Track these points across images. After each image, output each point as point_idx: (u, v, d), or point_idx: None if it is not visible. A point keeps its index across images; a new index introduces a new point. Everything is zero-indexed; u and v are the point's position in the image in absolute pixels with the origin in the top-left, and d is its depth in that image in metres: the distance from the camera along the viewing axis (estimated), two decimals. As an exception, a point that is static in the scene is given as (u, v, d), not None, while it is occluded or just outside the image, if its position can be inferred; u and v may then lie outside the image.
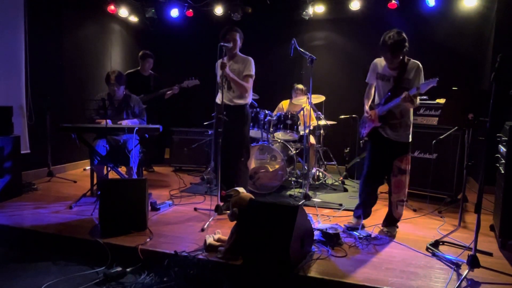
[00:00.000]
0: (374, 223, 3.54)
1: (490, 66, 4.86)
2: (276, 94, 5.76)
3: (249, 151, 4.16)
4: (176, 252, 2.76)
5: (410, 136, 3.25)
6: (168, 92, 5.62)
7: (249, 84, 3.90)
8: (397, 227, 3.39)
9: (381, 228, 3.42)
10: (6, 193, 4.04)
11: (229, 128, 3.79)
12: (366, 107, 3.38)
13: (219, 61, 3.76)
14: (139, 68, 5.73)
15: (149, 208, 3.69)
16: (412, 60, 3.15)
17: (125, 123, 4.20)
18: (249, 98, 4.02)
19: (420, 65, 3.11)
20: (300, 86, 5.42)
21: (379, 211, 4.01)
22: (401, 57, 3.07)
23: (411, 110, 3.24)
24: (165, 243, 2.99)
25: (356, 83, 6.18)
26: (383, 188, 4.87)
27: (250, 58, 3.92)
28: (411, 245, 3.06)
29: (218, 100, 3.81)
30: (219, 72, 3.83)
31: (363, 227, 3.43)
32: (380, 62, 3.27)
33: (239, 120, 3.92)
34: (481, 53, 5.48)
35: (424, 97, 4.53)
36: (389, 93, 3.15)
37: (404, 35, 3.00)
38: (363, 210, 3.41)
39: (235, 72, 3.86)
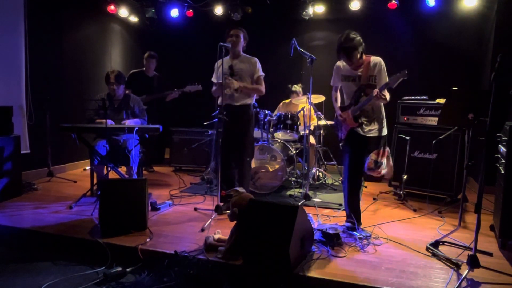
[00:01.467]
0: (374, 223, 3.54)
1: (490, 66, 4.86)
2: (276, 94, 5.74)
3: (253, 151, 4.16)
4: (176, 252, 2.76)
5: (385, 129, 3.32)
6: (171, 95, 5.62)
7: (263, 85, 3.92)
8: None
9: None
10: (6, 193, 4.05)
11: (234, 128, 3.80)
12: (338, 110, 3.42)
13: (219, 61, 3.69)
14: (143, 68, 5.74)
15: (149, 208, 3.69)
16: (373, 56, 3.22)
17: (127, 123, 4.20)
18: (254, 98, 4.03)
19: (382, 61, 3.20)
20: (295, 88, 5.40)
21: (379, 211, 4.02)
22: (359, 57, 3.14)
23: (382, 104, 3.31)
24: (165, 243, 2.99)
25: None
26: (383, 188, 4.90)
27: (255, 58, 3.92)
28: (411, 245, 3.06)
29: (220, 100, 3.84)
30: (217, 73, 3.83)
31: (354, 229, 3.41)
32: (342, 65, 3.34)
33: (245, 121, 3.93)
34: (481, 53, 5.48)
35: (424, 97, 4.54)
36: (357, 93, 3.23)
37: (356, 35, 3.10)
38: (357, 219, 3.37)
39: (242, 71, 3.86)
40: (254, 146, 4.17)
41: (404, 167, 4.35)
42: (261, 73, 3.90)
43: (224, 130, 3.75)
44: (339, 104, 3.48)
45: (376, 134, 3.26)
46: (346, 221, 3.42)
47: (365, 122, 3.26)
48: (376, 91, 3.03)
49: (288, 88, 5.43)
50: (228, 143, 3.84)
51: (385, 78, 3.15)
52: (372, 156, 3.27)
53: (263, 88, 3.91)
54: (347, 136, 3.37)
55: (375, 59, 3.21)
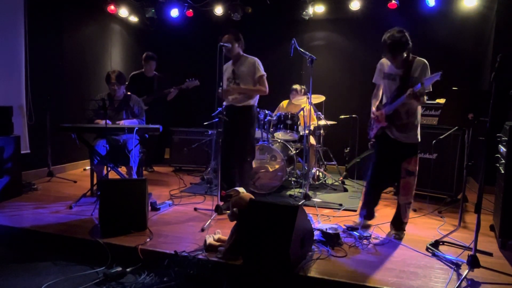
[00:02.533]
0: (374, 223, 3.54)
1: (490, 66, 4.86)
2: (276, 94, 5.73)
3: (254, 151, 4.16)
4: (176, 252, 2.76)
5: (419, 136, 3.20)
6: (170, 94, 5.62)
7: (264, 85, 3.90)
8: (405, 230, 3.34)
9: (390, 231, 3.37)
10: (6, 193, 4.04)
11: (235, 128, 3.81)
12: (373, 108, 3.31)
13: (226, 65, 3.86)
14: (143, 70, 5.75)
15: (149, 208, 3.69)
16: (418, 58, 3.10)
17: (122, 123, 4.19)
18: (256, 99, 4.03)
19: (426, 63, 3.07)
20: (295, 86, 5.43)
21: (380, 211, 4.00)
22: (404, 55, 3.01)
23: (419, 110, 3.20)
24: (165, 243, 2.99)
25: (356, 83, 6.21)
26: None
27: (255, 58, 3.92)
28: (411, 245, 3.06)
29: (227, 101, 3.85)
30: (224, 77, 3.86)
31: (368, 226, 3.44)
32: (387, 61, 3.22)
33: (245, 121, 3.93)
34: (481, 53, 5.48)
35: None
36: (396, 92, 3.10)
37: (405, 33, 2.96)
38: (367, 211, 3.38)
39: (243, 73, 3.85)
40: (255, 146, 4.17)
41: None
42: (262, 72, 3.89)
43: (225, 130, 3.76)
44: (377, 102, 3.33)
45: (407, 141, 3.15)
46: (360, 215, 3.43)
47: (397, 125, 3.14)
48: (410, 90, 2.89)
49: (292, 87, 5.45)
50: (229, 143, 3.84)
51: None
52: (404, 164, 3.18)
53: (264, 87, 3.90)
54: (377, 135, 3.29)
55: (420, 60, 3.08)
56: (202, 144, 5.71)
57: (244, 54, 3.95)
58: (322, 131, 5.37)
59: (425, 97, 3.04)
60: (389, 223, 3.41)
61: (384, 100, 3.29)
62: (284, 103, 5.60)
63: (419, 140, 3.21)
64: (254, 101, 4.00)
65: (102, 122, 4.06)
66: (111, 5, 6.09)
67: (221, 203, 3.60)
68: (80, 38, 5.80)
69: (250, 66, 3.88)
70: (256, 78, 3.87)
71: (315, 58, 4.15)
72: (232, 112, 3.76)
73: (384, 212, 3.97)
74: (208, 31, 6.46)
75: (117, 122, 4.19)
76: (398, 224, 3.31)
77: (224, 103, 3.95)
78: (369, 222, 3.49)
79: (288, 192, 4.69)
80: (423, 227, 3.57)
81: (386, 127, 3.18)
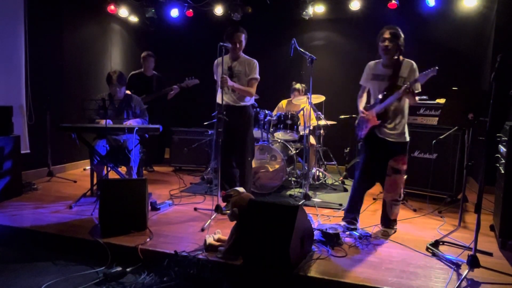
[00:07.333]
0: (374, 223, 3.54)
1: (490, 66, 4.86)
2: (276, 94, 5.76)
3: (254, 150, 4.17)
4: (176, 252, 2.76)
5: (407, 136, 3.26)
6: (171, 93, 5.63)
7: (254, 88, 3.91)
8: (395, 227, 3.38)
9: (379, 228, 3.41)
10: (6, 193, 4.04)
11: (234, 128, 3.81)
12: (361, 108, 3.38)
13: (217, 61, 3.81)
14: (142, 69, 5.75)
15: (149, 208, 3.69)
16: (406, 59, 3.21)
17: (129, 123, 4.19)
18: (252, 98, 4.03)
19: (415, 64, 3.19)
20: (297, 86, 5.42)
21: (379, 211, 3.99)
22: (396, 53, 3.13)
23: (406, 110, 3.26)
24: (165, 243, 2.99)
25: (356, 83, 6.16)
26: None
27: (255, 61, 3.91)
28: (411, 245, 3.06)
29: (219, 99, 3.82)
30: (217, 72, 3.83)
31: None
32: (374, 63, 3.34)
33: (244, 120, 3.93)
34: (481, 53, 5.48)
35: (424, 97, 4.54)
36: (385, 92, 3.18)
37: (401, 33, 3.12)
38: (357, 214, 3.39)
39: (240, 73, 3.85)
40: (254, 145, 4.17)
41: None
42: (255, 75, 3.88)
43: (225, 131, 3.75)
44: (364, 104, 3.41)
45: (395, 140, 3.20)
46: (343, 220, 3.42)
47: (387, 123, 3.20)
48: (406, 85, 2.99)
49: (292, 85, 5.45)
50: (228, 143, 3.84)
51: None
52: (390, 162, 3.22)
53: (253, 90, 3.91)
54: (366, 135, 3.33)
55: (408, 61, 3.19)
56: (202, 144, 5.71)
57: (243, 54, 3.94)
58: (322, 131, 5.37)
59: (417, 98, 3.13)
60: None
61: (372, 101, 3.36)
62: (283, 102, 5.59)
63: (408, 139, 3.27)
64: (251, 100, 4.00)
65: (103, 122, 4.06)
66: (111, 5, 6.09)
67: (222, 204, 3.60)
68: (80, 38, 5.80)
69: (250, 67, 3.87)
70: (249, 78, 3.87)
71: (315, 58, 4.15)
72: (229, 112, 3.75)
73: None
74: (208, 31, 6.46)
75: (124, 122, 4.19)
76: (386, 221, 3.37)
77: (219, 101, 3.91)
78: (363, 222, 3.49)
79: (288, 192, 4.69)
80: (423, 227, 3.57)
81: (376, 126, 3.24)
